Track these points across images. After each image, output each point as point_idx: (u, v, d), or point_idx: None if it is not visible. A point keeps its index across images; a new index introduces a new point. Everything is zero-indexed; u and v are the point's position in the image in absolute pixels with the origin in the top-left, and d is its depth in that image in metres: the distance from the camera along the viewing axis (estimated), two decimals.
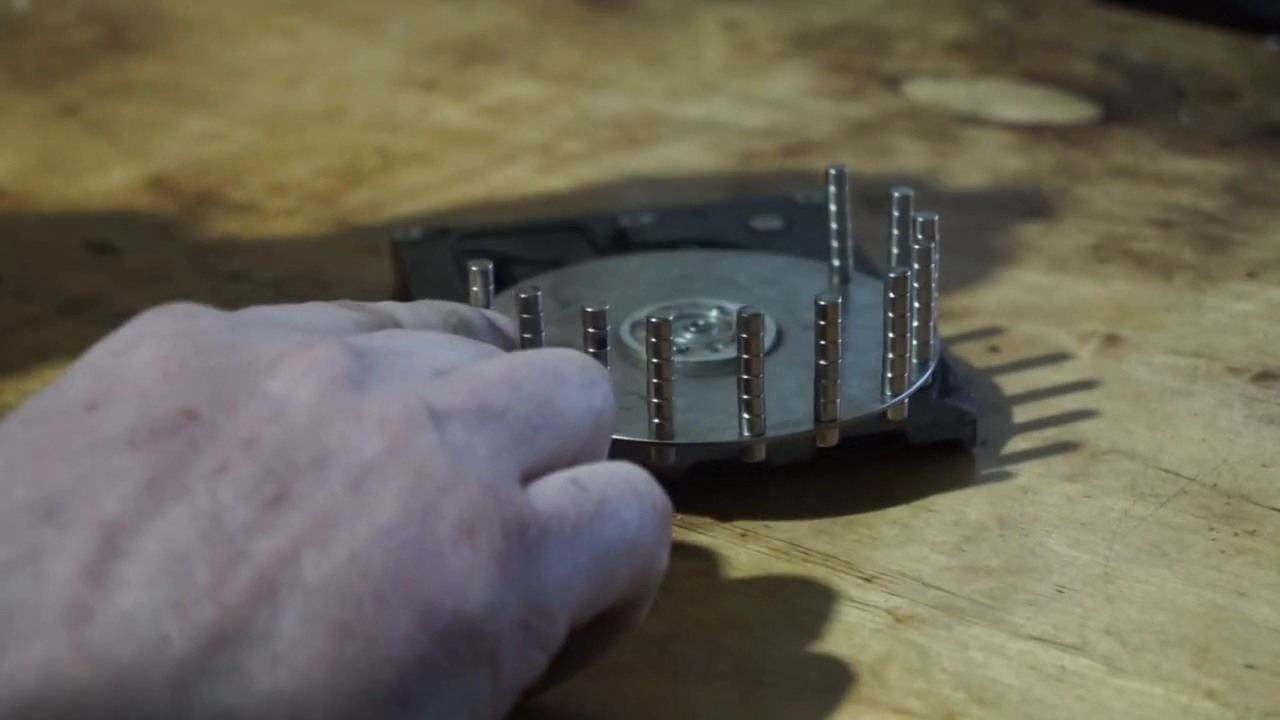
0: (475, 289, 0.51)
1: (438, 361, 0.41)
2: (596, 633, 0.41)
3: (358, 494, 0.37)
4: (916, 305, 0.52)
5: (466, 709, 0.37)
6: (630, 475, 0.41)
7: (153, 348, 0.39)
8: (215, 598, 0.35)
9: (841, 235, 0.57)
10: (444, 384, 0.40)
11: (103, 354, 0.40)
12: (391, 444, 0.38)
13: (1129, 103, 0.76)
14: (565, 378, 0.42)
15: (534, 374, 0.41)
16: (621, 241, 0.61)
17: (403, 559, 0.37)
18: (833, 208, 0.57)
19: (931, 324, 0.52)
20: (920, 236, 0.52)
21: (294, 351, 0.39)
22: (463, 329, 0.46)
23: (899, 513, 0.51)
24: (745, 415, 0.50)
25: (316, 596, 0.36)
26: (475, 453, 0.39)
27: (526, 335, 0.49)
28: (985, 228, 0.66)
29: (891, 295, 0.51)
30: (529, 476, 0.40)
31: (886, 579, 0.49)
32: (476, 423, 0.40)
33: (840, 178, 0.57)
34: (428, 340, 0.42)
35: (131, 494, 0.36)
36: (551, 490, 0.40)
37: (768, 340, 0.54)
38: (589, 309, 0.49)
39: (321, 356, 0.39)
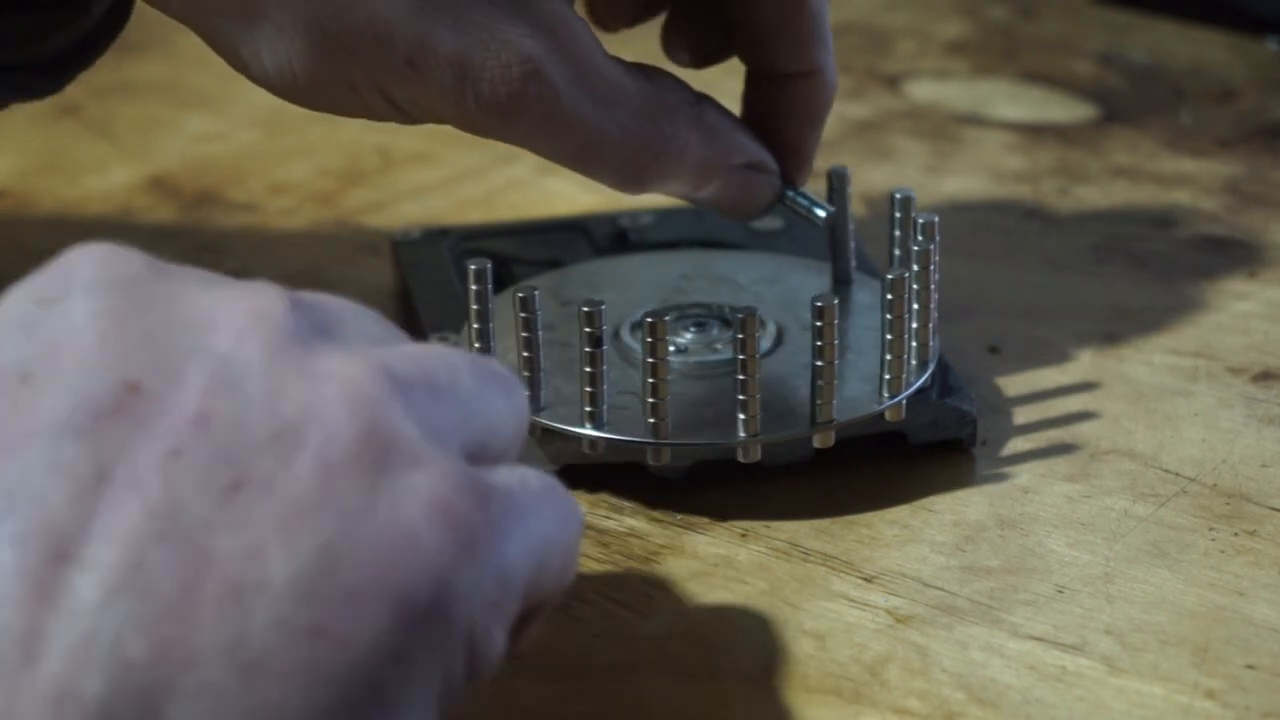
0: (474, 287, 0.51)
1: (369, 333, 0.40)
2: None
3: (323, 475, 0.35)
4: (916, 307, 0.52)
5: (443, 696, 0.36)
6: (555, 482, 0.40)
7: (85, 302, 0.37)
8: (179, 611, 0.33)
9: (843, 236, 0.57)
10: (393, 354, 0.38)
11: (26, 305, 0.37)
12: (355, 413, 0.36)
13: (1129, 103, 0.76)
14: (493, 374, 0.40)
15: (467, 364, 0.40)
16: (622, 241, 0.61)
17: (375, 547, 0.35)
18: (832, 209, 0.57)
19: (931, 325, 0.52)
20: (920, 238, 0.52)
21: (234, 301, 0.37)
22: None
23: (899, 513, 0.51)
24: (741, 416, 0.50)
25: (285, 598, 0.34)
26: (436, 424, 0.37)
27: (525, 334, 0.49)
28: (985, 228, 0.66)
29: (889, 296, 0.51)
30: (468, 462, 0.38)
31: (886, 579, 0.49)
32: (430, 395, 0.38)
33: (841, 179, 0.57)
34: (355, 311, 0.40)
35: (80, 491, 0.34)
36: (499, 474, 0.38)
37: (768, 341, 0.54)
38: (585, 308, 0.49)
39: (264, 306, 0.37)
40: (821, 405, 0.50)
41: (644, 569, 0.48)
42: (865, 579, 0.49)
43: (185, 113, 0.76)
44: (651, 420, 0.50)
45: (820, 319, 0.49)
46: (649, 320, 0.49)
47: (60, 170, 0.72)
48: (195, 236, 0.67)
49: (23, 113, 0.76)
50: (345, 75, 0.48)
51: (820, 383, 0.50)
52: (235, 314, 0.37)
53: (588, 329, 0.49)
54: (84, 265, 0.38)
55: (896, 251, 0.56)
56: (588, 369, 0.50)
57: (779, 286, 0.57)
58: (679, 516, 0.51)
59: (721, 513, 0.51)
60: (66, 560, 0.33)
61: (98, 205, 0.70)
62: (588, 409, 0.50)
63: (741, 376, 0.49)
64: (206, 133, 0.75)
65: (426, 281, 0.59)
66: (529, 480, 0.39)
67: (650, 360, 0.49)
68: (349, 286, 0.63)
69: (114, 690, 0.32)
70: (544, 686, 0.44)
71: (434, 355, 0.39)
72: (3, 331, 0.36)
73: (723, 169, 0.52)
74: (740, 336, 0.49)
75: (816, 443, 0.51)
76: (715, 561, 0.49)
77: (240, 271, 0.64)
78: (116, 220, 0.68)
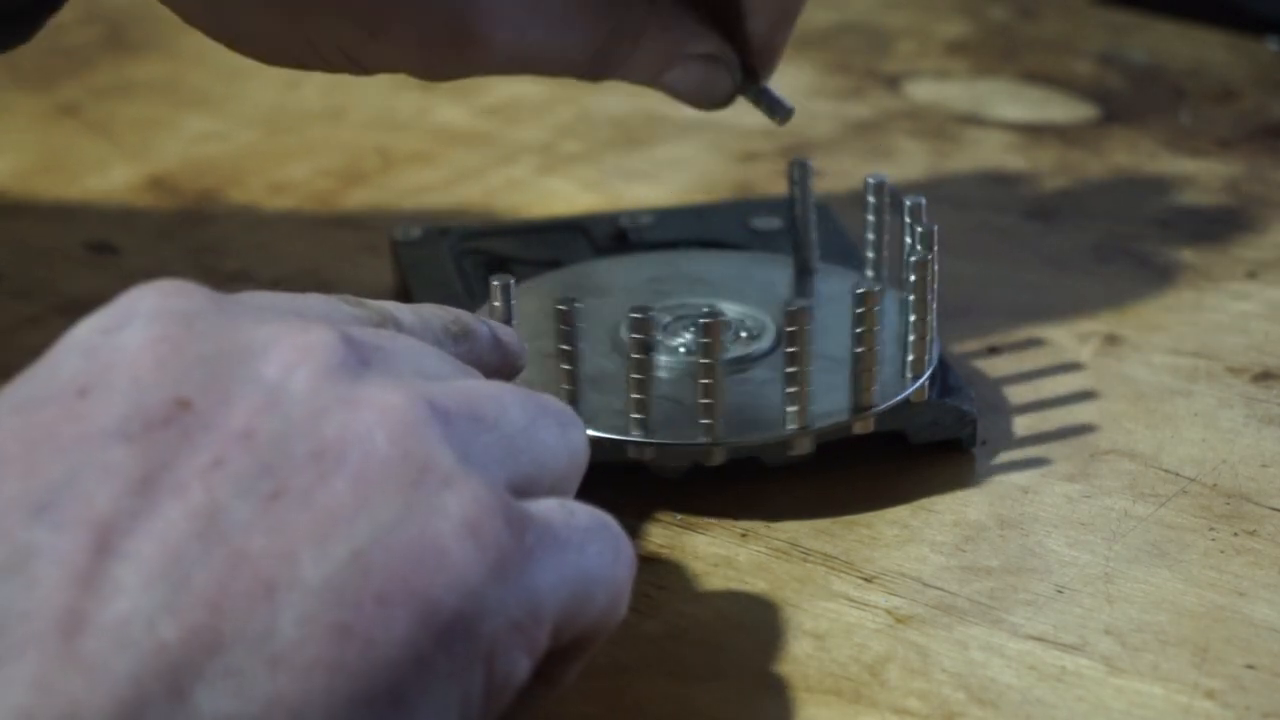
0: (496, 303, 0.50)
1: (425, 369, 0.41)
2: (546, 666, 0.40)
3: (359, 489, 0.37)
4: (912, 298, 0.52)
5: (459, 710, 0.37)
6: (608, 519, 0.41)
7: (144, 329, 0.38)
8: (212, 600, 0.35)
9: (805, 228, 0.58)
10: (437, 387, 0.40)
11: (91, 331, 0.39)
12: (393, 435, 0.38)
13: (1129, 103, 0.76)
14: (548, 411, 0.42)
15: (519, 400, 0.41)
16: (622, 241, 0.61)
17: (405, 557, 0.36)
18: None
19: (933, 306, 0.52)
20: (909, 219, 0.53)
21: (287, 336, 0.39)
22: (465, 337, 0.46)
23: (899, 513, 0.51)
24: (792, 409, 0.50)
25: (315, 597, 0.35)
26: (477, 454, 0.39)
27: (566, 346, 0.49)
28: (985, 228, 0.66)
29: (912, 278, 0.51)
30: (512, 493, 0.40)
31: (886, 579, 0.49)
32: (473, 426, 0.39)
33: (803, 170, 0.58)
34: (416, 347, 0.42)
35: (125, 491, 0.36)
36: (542, 505, 0.40)
37: (770, 338, 0.54)
38: (634, 314, 0.49)
39: (316, 342, 0.39)
40: (862, 392, 0.50)
41: (644, 569, 0.48)
42: (865, 579, 0.49)
43: (185, 113, 0.76)
44: (706, 421, 0.50)
45: (861, 305, 0.49)
46: (703, 321, 0.49)
47: (60, 170, 0.72)
48: (195, 236, 0.67)
49: (23, 112, 0.77)
50: (303, 33, 0.50)
51: (861, 369, 0.50)
52: (286, 347, 0.39)
53: (637, 335, 0.49)
54: (147, 297, 0.39)
55: (870, 236, 0.56)
56: (636, 375, 0.49)
57: (751, 282, 0.57)
58: (679, 516, 0.51)
59: (721, 513, 0.51)
60: (109, 552, 0.35)
61: (98, 205, 0.70)
62: (635, 415, 0.50)
63: (791, 369, 0.49)
64: (206, 133, 0.75)
65: (426, 281, 0.59)
66: (576, 515, 0.40)
67: (705, 361, 0.49)
68: (349, 286, 0.63)
69: (145, 669, 0.34)
70: (544, 687, 0.44)
71: (484, 390, 0.41)
72: (66, 354, 0.38)
73: (679, 57, 0.53)
74: (790, 330, 0.49)
75: (857, 429, 0.51)
76: (715, 561, 0.49)
77: (240, 272, 0.64)
78: (117, 220, 0.68)
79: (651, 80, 0.54)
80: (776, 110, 0.55)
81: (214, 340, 0.38)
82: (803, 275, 0.58)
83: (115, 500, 0.35)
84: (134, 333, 0.38)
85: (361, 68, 0.51)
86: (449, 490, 0.37)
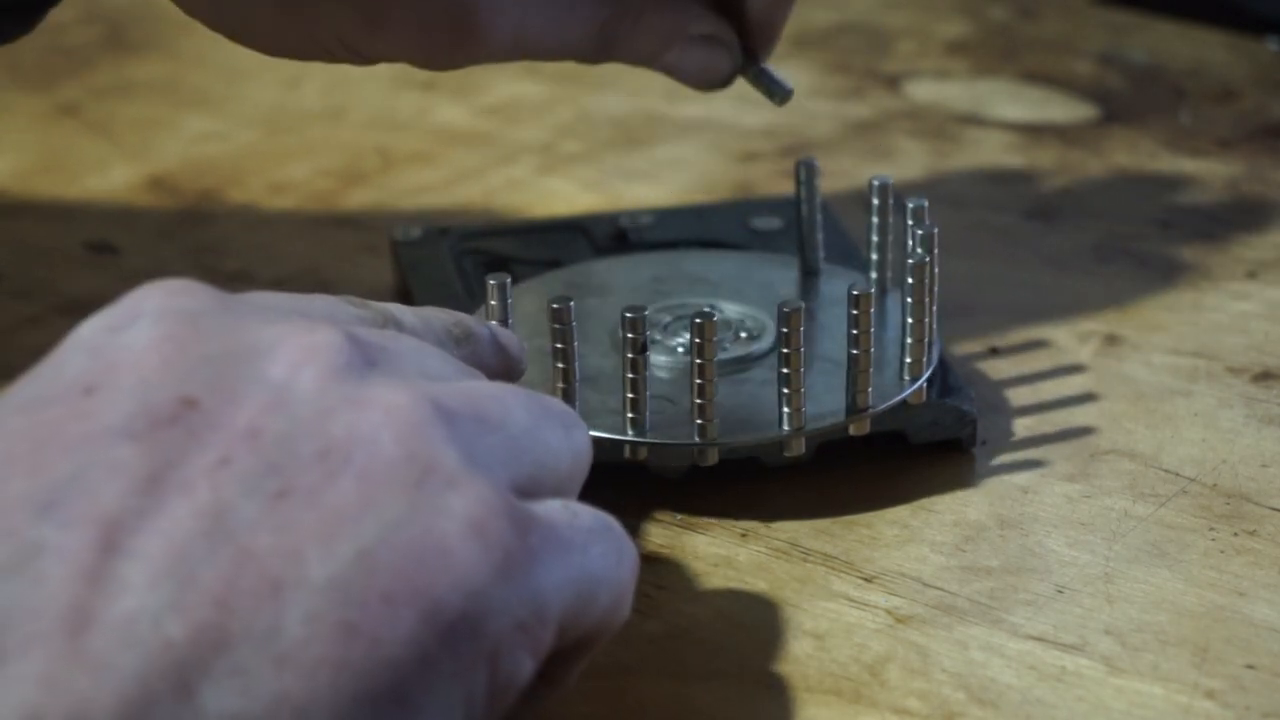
0: (493, 302, 0.50)
1: (429, 370, 0.41)
2: (549, 666, 0.40)
3: (365, 489, 0.37)
4: (910, 300, 0.52)
5: (463, 709, 0.37)
6: (611, 520, 0.41)
7: (150, 328, 0.38)
8: (218, 598, 0.35)
9: (810, 228, 0.58)
10: (442, 388, 0.40)
11: (97, 330, 0.39)
12: (399, 436, 0.38)
13: (1129, 103, 0.76)
14: (551, 412, 0.42)
15: (523, 401, 0.41)
16: (622, 241, 0.61)
17: (410, 557, 0.36)
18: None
19: (933, 309, 0.52)
20: (910, 221, 0.53)
21: (293, 335, 0.39)
22: (467, 340, 0.46)
23: (899, 513, 0.51)
24: (786, 410, 0.50)
25: (321, 595, 0.35)
26: (481, 455, 0.39)
27: (560, 345, 0.49)
28: (985, 228, 0.66)
29: (910, 281, 0.51)
30: (516, 494, 0.40)
31: (886, 579, 0.49)
32: (477, 427, 0.39)
33: (809, 170, 0.57)
34: (419, 348, 0.42)
35: (131, 489, 0.36)
36: (545, 506, 0.40)
37: (770, 337, 0.54)
38: (628, 314, 0.49)
39: (322, 342, 0.39)
40: (858, 394, 0.50)
41: (644, 569, 0.48)
42: (865, 579, 0.49)
43: (185, 113, 0.76)
44: (699, 421, 0.50)
45: (856, 307, 0.49)
46: (696, 321, 0.49)
47: (60, 170, 0.72)
48: (195, 236, 0.67)
49: (23, 113, 0.77)
50: (303, 24, 0.50)
51: (856, 371, 0.50)
52: (292, 347, 0.39)
53: (631, 335, 0.49)
54: (153, 296, 0.40)
55: (874, 237, 0.56)
56: (630, 375, 0.49)
57: (752, 282, 0.57)
58: (679, 516, 0.51)
59: (721, 513, 0.51)
60: (115, 550, 0.35)
61: (98, 205, 0.70)
62: (630, 415, 0.50)
63: (785, 370, 0.49)
64: (206, 133, 0.75)
65: (426, 281, 0.59)
66: (580, 516, 0.40)
67: (699, 361, 0.49)
68: (349, 286, 0.63)
69: (151, 667, 0.34)
70: (547, 687, 0.44)
71: (488, 391, 0.41)
72: (72, 352, 0.39)
73: (678, 38, 0.54)
74: (784, 330, 0.49)
75: (853, 430, 0.51)
76: (715, 561, 0.49)
77: (240, 272, 0.64)
78: (117, 220, 0.68)
79: (651, 61, 0.54)
80: (776, 91, 0.55)
81: (220, 340, 0.39)
82: (807, 276, 0.58)
83: (121, 498, 0.36)
84: (139, 332, 0.38)
85: (362, 58, 0.51)
86: (453, 491, 0.38)
